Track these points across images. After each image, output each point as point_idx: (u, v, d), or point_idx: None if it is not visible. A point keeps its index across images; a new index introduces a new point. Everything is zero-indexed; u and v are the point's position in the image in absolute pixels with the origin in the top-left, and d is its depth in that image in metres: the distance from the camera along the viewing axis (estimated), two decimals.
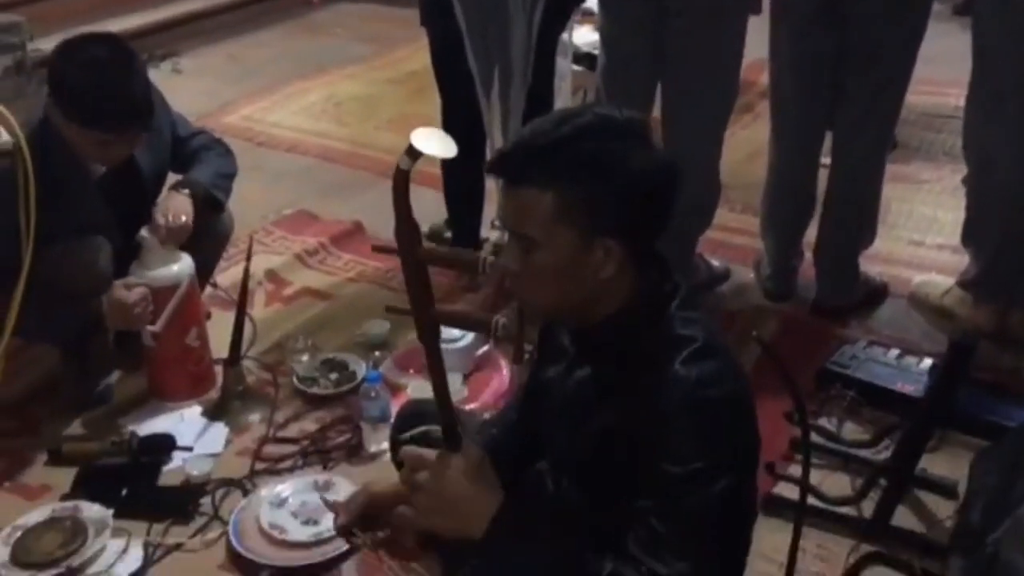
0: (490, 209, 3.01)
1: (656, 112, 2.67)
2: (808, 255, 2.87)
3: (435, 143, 1.22)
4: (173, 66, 4.72)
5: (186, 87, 4.46)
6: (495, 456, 1.32)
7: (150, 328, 2.25)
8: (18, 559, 1.89)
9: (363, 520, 1.57)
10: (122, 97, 2.07)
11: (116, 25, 4.60)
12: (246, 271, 2.38)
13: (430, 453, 1.30)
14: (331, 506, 1.72)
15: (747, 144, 3.70)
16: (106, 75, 2.05)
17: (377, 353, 2.57)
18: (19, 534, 1.94)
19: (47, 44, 4.00)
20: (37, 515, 2.00)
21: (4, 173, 1.21)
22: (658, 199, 1.25)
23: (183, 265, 2.31)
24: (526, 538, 1.22)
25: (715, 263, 2.96)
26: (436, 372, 1.30)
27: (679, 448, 1.17)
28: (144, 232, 2.26)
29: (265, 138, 4.01)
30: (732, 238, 3.17)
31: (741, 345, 2.41)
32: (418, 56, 3.73)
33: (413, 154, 1.21)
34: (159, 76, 4.58)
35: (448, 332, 2.44)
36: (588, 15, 3.53)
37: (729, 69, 2.61)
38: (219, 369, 2.42)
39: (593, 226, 1.21)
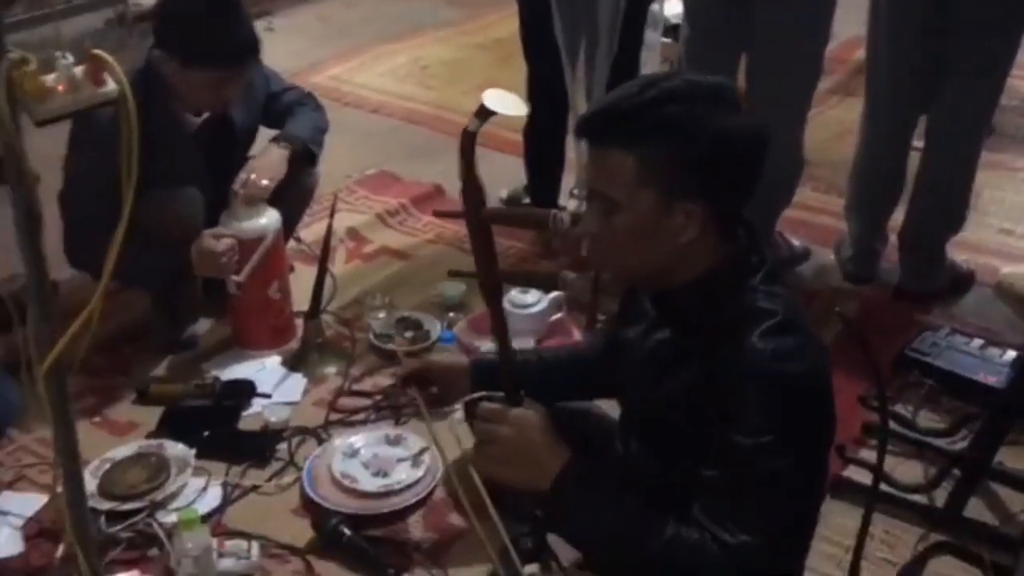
0: (569, 179, 3.01)
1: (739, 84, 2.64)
2: (892, 238, 2.81)
3: (506, 103, 1.24)
4: (266, 25, 4.80)
5: (278, 46, 4.52)
6: (563, 374, 1.36)
7: (235, 278, 2.33)
8: (105, 490, 1.99)
9: (417, 381, 1.72)
10: (234, 32, 2.18)
11: None
12: (329, 228, 2.44)
13: (505, 407, 1.33)
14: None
15: (836, 123, 3.62)
16: (217, 13, 2.15)
17: (452, 314, 2.61)
18: (107, 467, 2.05)
19: None
20: (124, 450, 2.10)
21: (109, 123, 1.27)
22: (742, 165, 1.25)
23: (270, 219, 2.38)
24: (591, 493, 1.24)
25: (795, 242, 2.92)
26: (499, 332, 1.33)
27: (750, 420, 1.17)
28: (236, 185, 2.34)
29: (352, 98, 4.06)
30: (814, 217, 3.12)
31: (820, 324, 2.38)
32: (507, 23, 3.73)
33: (483, 114, 1.23)
34: None
35: (521, 298, 2.46)
36: None
37: (815, 42, 2.56)
38: (299, 322, 2.49)
39: (674, 189, 1.21)
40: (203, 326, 2.54)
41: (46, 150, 1.72)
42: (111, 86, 1.37)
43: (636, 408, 1.42)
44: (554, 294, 2.53)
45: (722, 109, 1.23)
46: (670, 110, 1.21)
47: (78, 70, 1.37)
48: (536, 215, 2.61)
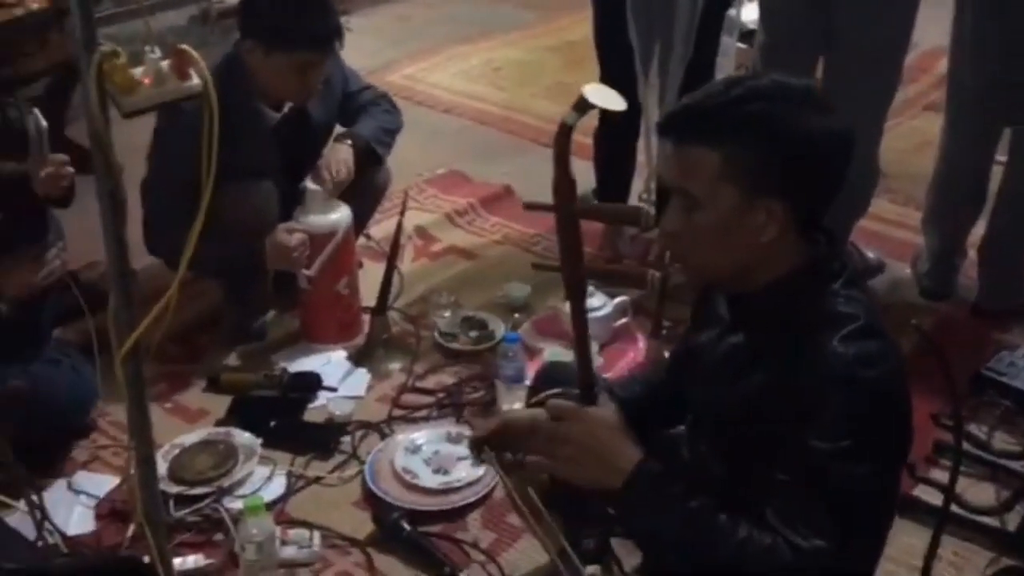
0: (638, 183, 2.99)
1: None
2: (972, 253, 2.74)
3: (605, 97, 1.25)
4: (344, 24, 4.86)
5: (354, 44, 4.53)
6: (636, 410, 1.34)
7: (305, 272, 2.37)
8: (175, 474, 2.04)
9: (493, 441, 1.56)
10: (319, 16, 2.26)
11: None
12: (399, 225, 2.47)
13: (577, 405, 1.33)
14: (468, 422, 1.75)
15: (915, 134, 3.53)
16: (303, 1, 2.25)
17: (516, 315, 2.62)
18: (177, 452, 2.10)
19: None
20: (194, 436, 2.16)
21: (192, 116, 1.30)
22: (825, 165, 1.24)
23: (342, 215, 2.42)
24: (664, 493, 1.24)
25: (870, 254, 2.86)
26: (579, 327, 1.33)
27: (829, 424, 1.16)
28: (309, 182, 2.38)
29: (424, 98, 4.10)
30: (890, 231, 3.05)
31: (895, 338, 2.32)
32: (580, 26, 3.73)
33: (582, 107, 1.24)
34: None
35: (588, 301, 2.45)
36: None
37: (894, 50, 2.50)
38: (366, 317, 2.52)
39: (756, 186, 1.21)
40: (272, 318, 2.59)
41: (130, 140, 1.78)
42: (195, 80, 1.41)
43: (708, 413, 1.40)
44: (619, 299, 2.52)
45: (808, 109, 1.23)
46: (755, 107, 1.21)
47: (164, 64, 1.41)
48: (624, 210, 2.61)
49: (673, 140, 1.26)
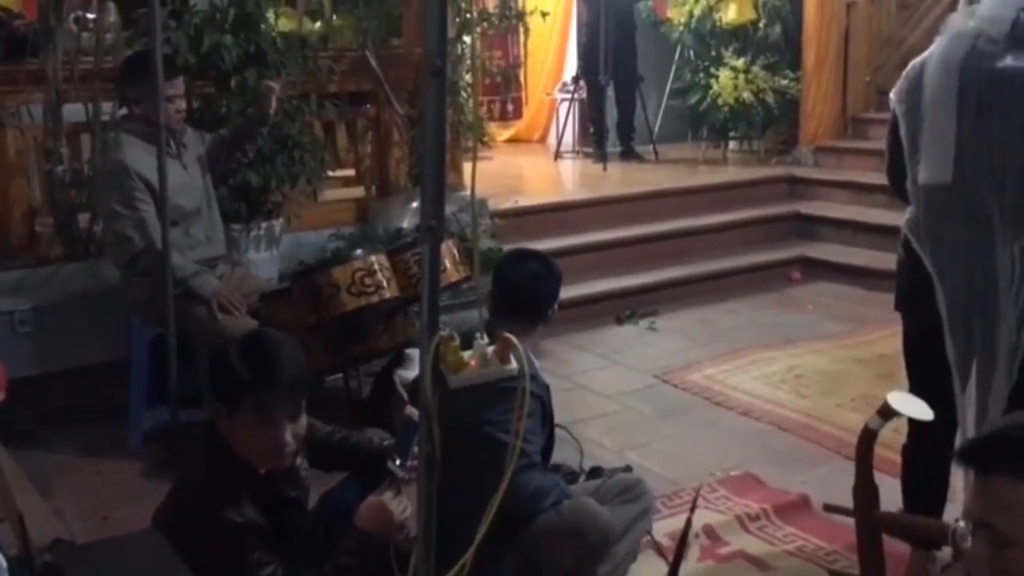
0: (951, 509, 2.76)
1: None
2: None
3: (911, 405, 1.24)
4: (650, 324, 5.12)
5: (658, 343, 4.81)
6: None
7: None
8: None
9: None
10: None
11: (608, 285, 5.20)
12: (688, 522, 2.44)
13: None
14: None
15: None
16: None
17: None
18: None
19: None
20: None
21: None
22: None
23: None
24: None
25: None
26: None
27: None
28: None
29: (722, 399, 4.13)
30: None
31: None
32: (890, 340, 3.66)
33: (886, 414, 1.23)
34: (636, 332, 5.01)
35: None
36: None
37: None
38: None
39: None
40: None
41: None
42: (513, 364, 1.57)
43: None
44: None
45: None
46: None
47: (490, 349, 1.60)
48: (932, 525, 2.40)
49: (976, 470, 1.21)
